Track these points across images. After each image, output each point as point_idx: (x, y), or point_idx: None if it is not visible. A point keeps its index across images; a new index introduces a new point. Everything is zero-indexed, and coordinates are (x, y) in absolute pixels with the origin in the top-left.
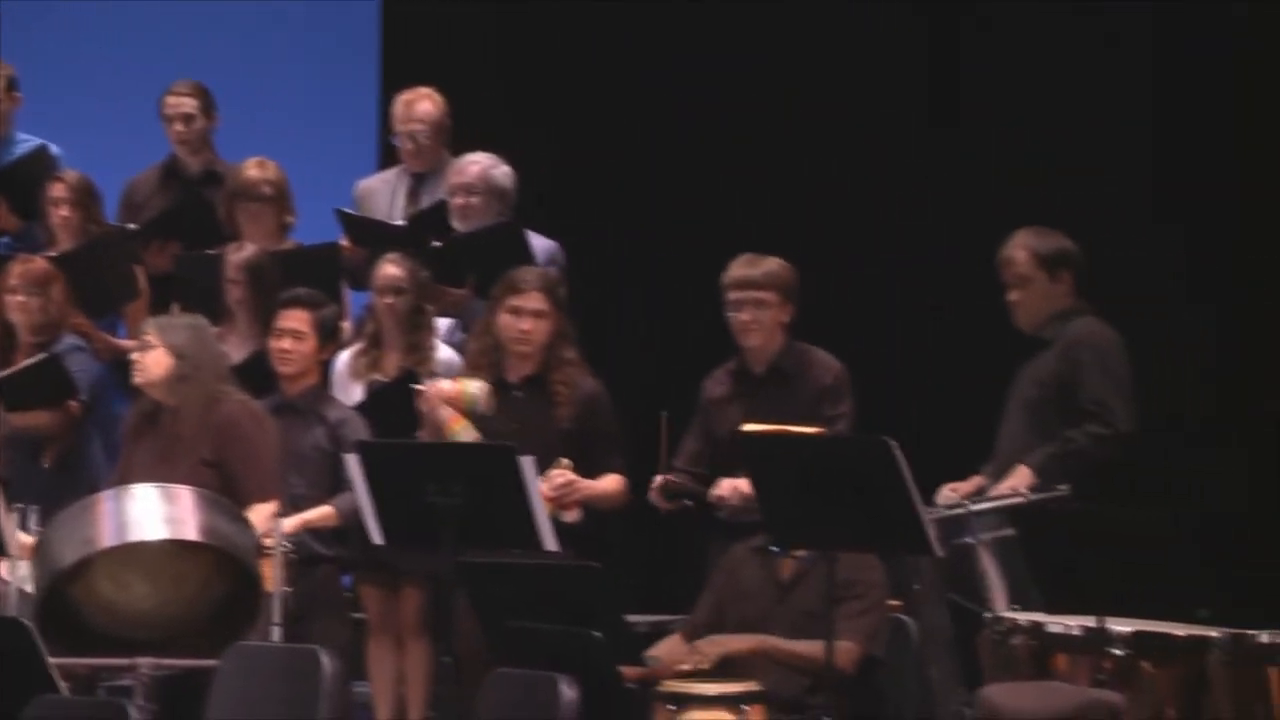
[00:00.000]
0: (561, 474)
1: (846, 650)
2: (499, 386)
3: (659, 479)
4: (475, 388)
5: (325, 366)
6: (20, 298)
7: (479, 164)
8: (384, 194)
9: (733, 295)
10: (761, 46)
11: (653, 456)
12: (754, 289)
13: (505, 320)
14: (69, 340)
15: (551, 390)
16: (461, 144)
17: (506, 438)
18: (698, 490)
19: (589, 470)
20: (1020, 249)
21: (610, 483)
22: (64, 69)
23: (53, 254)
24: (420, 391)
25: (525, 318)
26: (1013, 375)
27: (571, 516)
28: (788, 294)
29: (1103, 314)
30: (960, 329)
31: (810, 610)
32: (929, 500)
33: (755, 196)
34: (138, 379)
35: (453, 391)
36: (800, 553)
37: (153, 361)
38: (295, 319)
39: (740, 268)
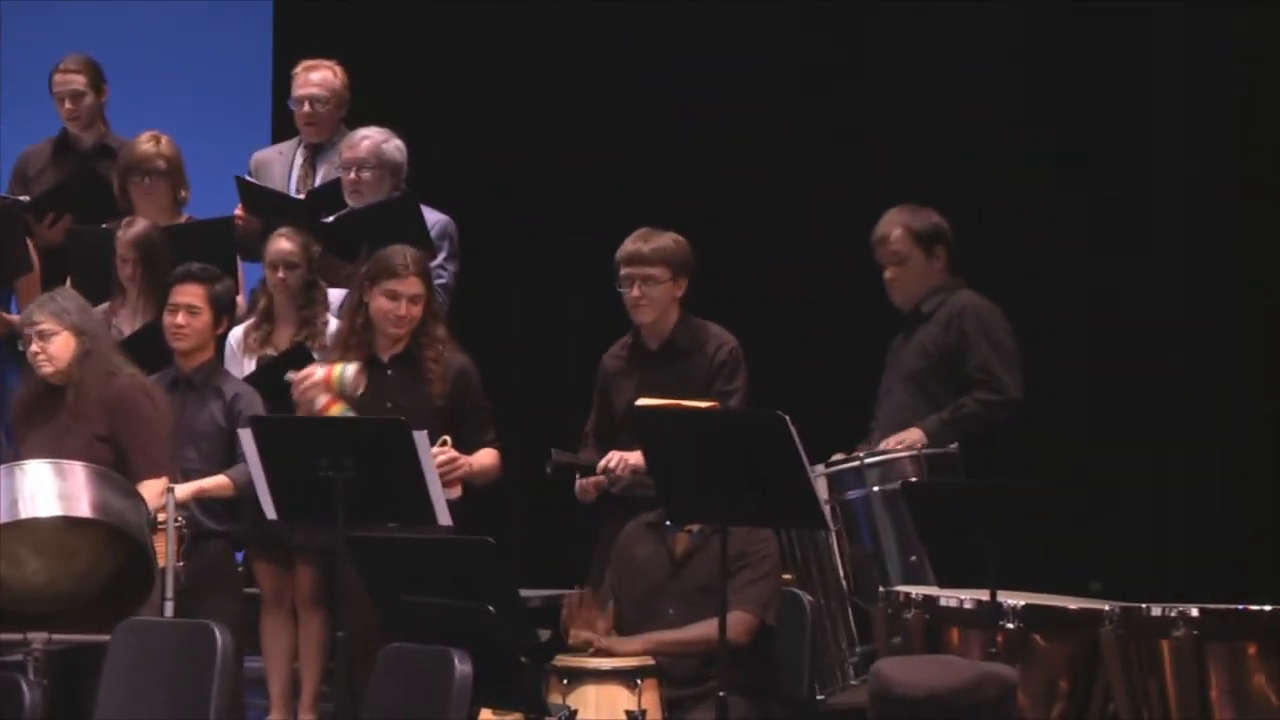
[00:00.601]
0: (443, 451)
1: (740, 620)
2: (370, 365)
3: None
4: (347, 370)
5: (220, 341)
6: None
7: (370, 138)
8: (280, 165)
9: (623, 271)
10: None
11: (548, 431)
12: (643, 264)
13: (382, 304)
14: None
15: (423, 367)
16: (357, 121)
17: (380, 415)
18: (585, 463)
19: (464, 445)
20: (895, 227)
21: (486, 457)
22: None
23: None
24: (292, 381)
25: (403, 302)
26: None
27: (454, 493)
28: (678, 269)
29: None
30: (845, 304)
31: (703, 585)
32: None
33: (647, 171)
34: (45, 369)
35: (324, 375)
36: (693, 527)
37: (58, 348)
38: (190, 294)
39: (631, 243)
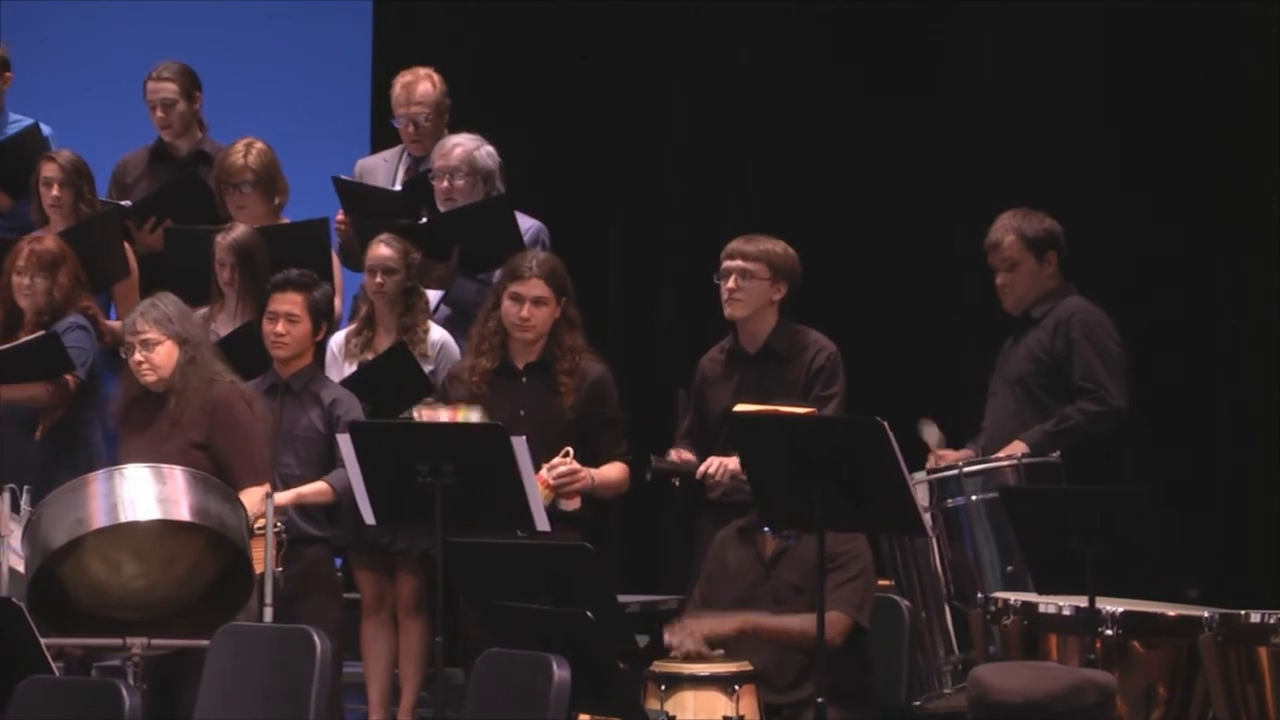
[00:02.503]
0: (563, 462)
1: (835, 620)
2: (504, 372)
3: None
4: (471, 418)
5: (319, 348)
6: (26, 280)
7: (462, 146)
8: (384, 172)
9: (724, 264)
10: (755, 26)
11: (647, 437)
12: (744, 259)
13: (507, 307)
14: (71, 318)
15: (555, 377)
16: (459, 124)
17: (512, 424)
18: (685, 469)
19: (592, 457)
20: (1008, 233)
21: (613, 471)
22: (58, 48)
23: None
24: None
25: (526, 304)
26: (995, 355)
27: (571, 505)
28: (779, 273)
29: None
30: (949, 310)
31: (795, 585)
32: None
33: (750, 179)
34: (148, 378)
35: (449, 419)
36: (786, 532)
37: (161, 357)
38: (289, 302)
39: (738, 240)
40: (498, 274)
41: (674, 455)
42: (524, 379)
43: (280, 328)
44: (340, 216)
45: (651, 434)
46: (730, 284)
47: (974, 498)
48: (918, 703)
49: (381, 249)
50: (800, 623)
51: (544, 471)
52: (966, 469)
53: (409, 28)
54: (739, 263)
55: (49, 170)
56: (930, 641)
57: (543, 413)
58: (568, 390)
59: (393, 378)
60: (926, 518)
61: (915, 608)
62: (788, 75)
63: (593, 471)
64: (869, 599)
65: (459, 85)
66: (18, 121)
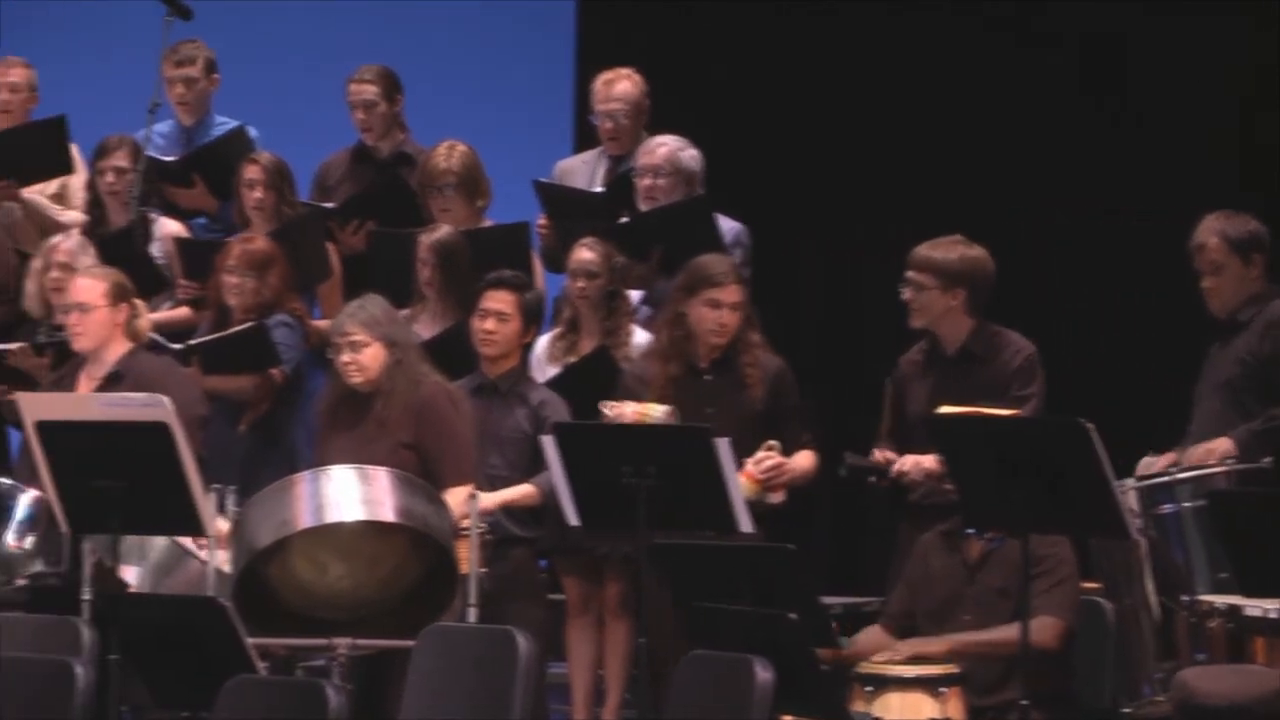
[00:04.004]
0: (769, 456)
1: (1050, 626)
2: (688, 373)
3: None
4: (659, 413)
5: (526, 350)
6: (236, 279)
7: (666, 145)
8: (583, 174)
9: (905, 273)
10: (953, 30)
11: (840, 436)
12: (915, 270)
13: (703, 313)
14: (279, 316)
15: (741, 372)
16: (659, 125)
17: (703, 421)
18: (879, 466)
19: (783, 447)
20: (1212, 235)
21: (805, 459)
22: (261, 50)
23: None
24: (604, 416)
25: (724, 310)
26: (1201, 357)
27: (778, 498)
28: (952, 279)
29: None
30: (1150, 310)
31: (1000, 588)
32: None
33: (943, 177)
34: (355, 379)
35: (635, 419)
36: (990, 535)
37: (368, 359)
38: (500, 300)
39: (919, 247)
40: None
41: (877, 455)
42: (708, 376)
43: (490, 325)
44: (541, 220)
45: (852, 434)
46: (906, 295)
47: (1185, 504)
48: (1127, 710)
49: (584, 253)
50: (1009, 633)
51: (750, 466)
52: (1179, 475)
53: (612, 28)
54: (910, 273)
55: (251, 173)
56: (1136, 646)
57: (731, 408)
58: (754, 382)
59: (595, 381)
60: (1135, 522)
61: (1121, 611)
62: (986, 76)
63: (795, 463)
64: (1077, 602)
65: (661, 86)
66: (224, 124)
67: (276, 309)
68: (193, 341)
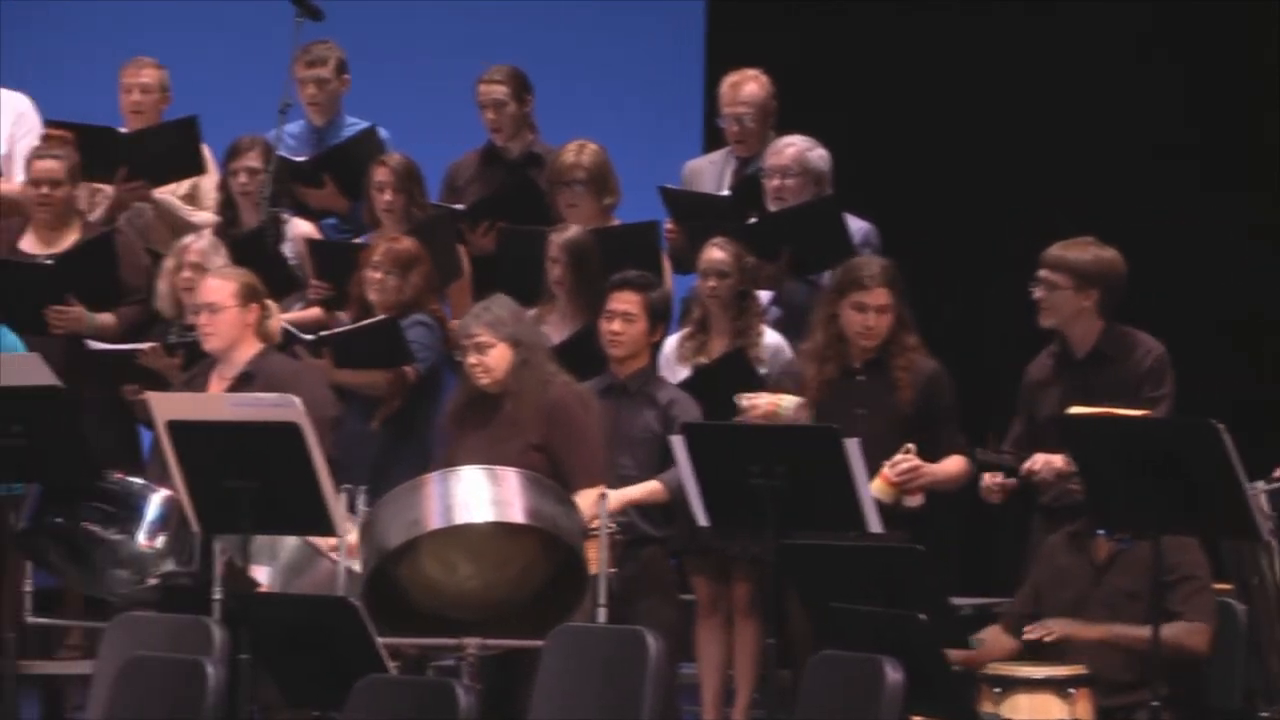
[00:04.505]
0: (906, 459)
1: (1201, 632)
2: (841, 372)
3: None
4: (790, 404)
5: (655, 349)
6: (379, 275)
7: (795, 146)
8: (711, 174)
9: (1038, 272)
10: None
11: (976, 439)
12: (1049, 269)
13: (851, 316)
14: (417, 315)
15: (893, 375)
16: (787, 126)
17: (849, 422)
18: (1009, 463)
19: (932, 452)
20: None
21: (953, 464)
22: (391, 50)
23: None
24: (739, 408)
25: (870, 314)
26: None
27: (915, 501)
28: (1085, 280)
29: None
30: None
31: (1129, 591)
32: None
33: (1072, 179)
34: (482, 380)
35: (769, 408)
36: (1120, 535)
37: (495, 360)
38: (627, 301)
39: (1052, 247)
40: (827, 278)
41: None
42: (860, 377)
43: (617, 326)
44: (669, 225)
45: (978, 435)
46: (1037, 294)
47: None
48: (1266, 714)
49: (715, 252)
50: (1168, 632)
51: (886, 468)
52: None
53: (741, 27)
54: (1043, 272)
55: (380, 175)
56: (1271, 649)
57: (882, 410)
58: (905, 385)
59: (729, 382)
60: (1267, 524)
61: (1254, 614)
62: (1119, 78)
63: (934, 467)
64: (1216, 605)
65: (789, 85)
66: (355, 124)
67: (416, 308)
68: (324, 333)
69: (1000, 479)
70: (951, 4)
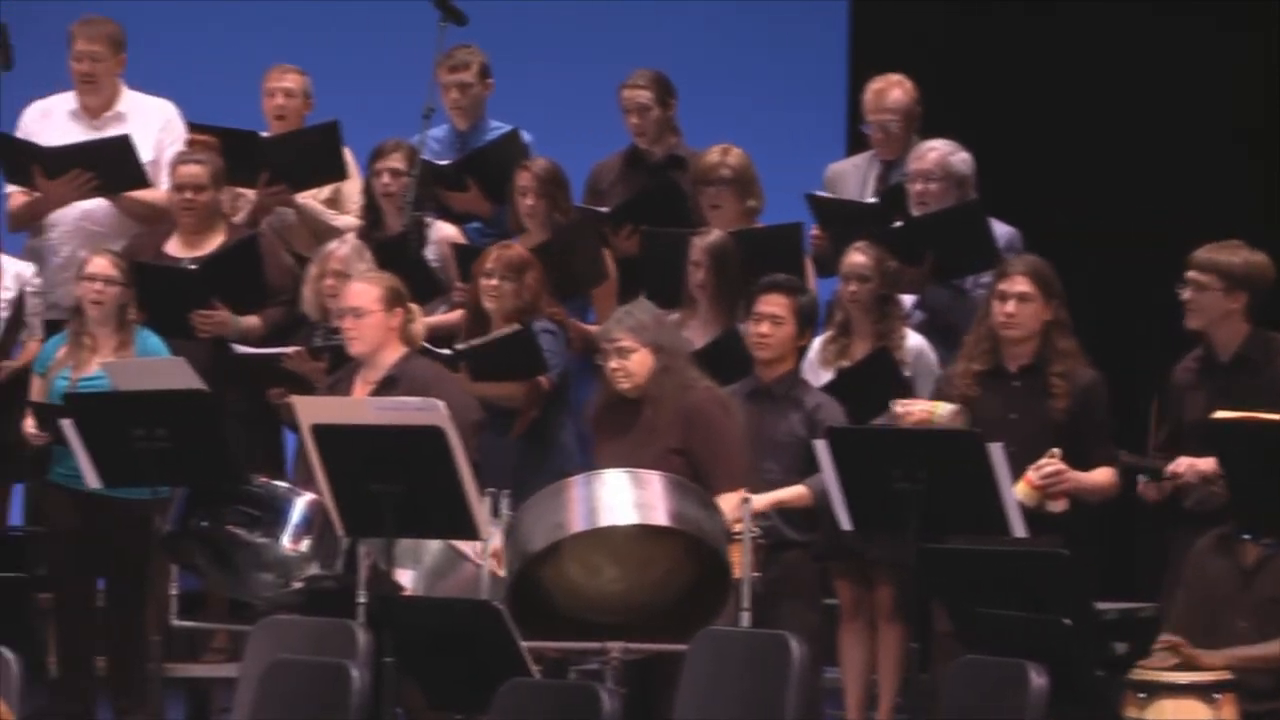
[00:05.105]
0: (1050, 463)
1: None
2: (996, 375)
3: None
4: (945, 411)
5: (800, 353)
6: (494, 282)
7: (937, 150)
8: (854, 178)
9: (1186, 273)
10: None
11: (1126, 443)
12: (1197, 270)
13: (994, 307)
14: (541, 324)
15: (1047, 381)
16: (931, 129)
17: (1001, 426)
18: (1153, 467)
19: (1081, 461)
20: None
21: (1101, 475)
22: (535, 53)
23: (529, 247)
24: (894, 413)
25: (1011, 301)
26: None
27: (1058, 507)
28: (1235, 283)
29: None
30: None
31: (1275, 597)
32: None
33: (1217, 183)
34: (623, 385)
35: (923, 415)
36: (1267, 540)
37: (636, 365)
38: (775, 304)
39: (1202, 249)
40: (970, 282)
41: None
42: (1015, 382)
43: (764, 329)
44: (815, 231)
45: (1121, 440)
46: (1185, 295)
47: None
48: None
49: (856, 256)
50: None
51: (1031, 472)
52: None
53: (885, 29)
54: (1192, 274)
55: (523, 179)
56: None
57: (1033, 415)
58: (1060, 393)
59: (873, 384)
60: None
61: None
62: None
63: (1080, 474)
64: None
65: (932, 87)
66: (498, 128)
67: (534, 313)
68: (459, 346)
69: (1155, 483)
70: (1099, 4)
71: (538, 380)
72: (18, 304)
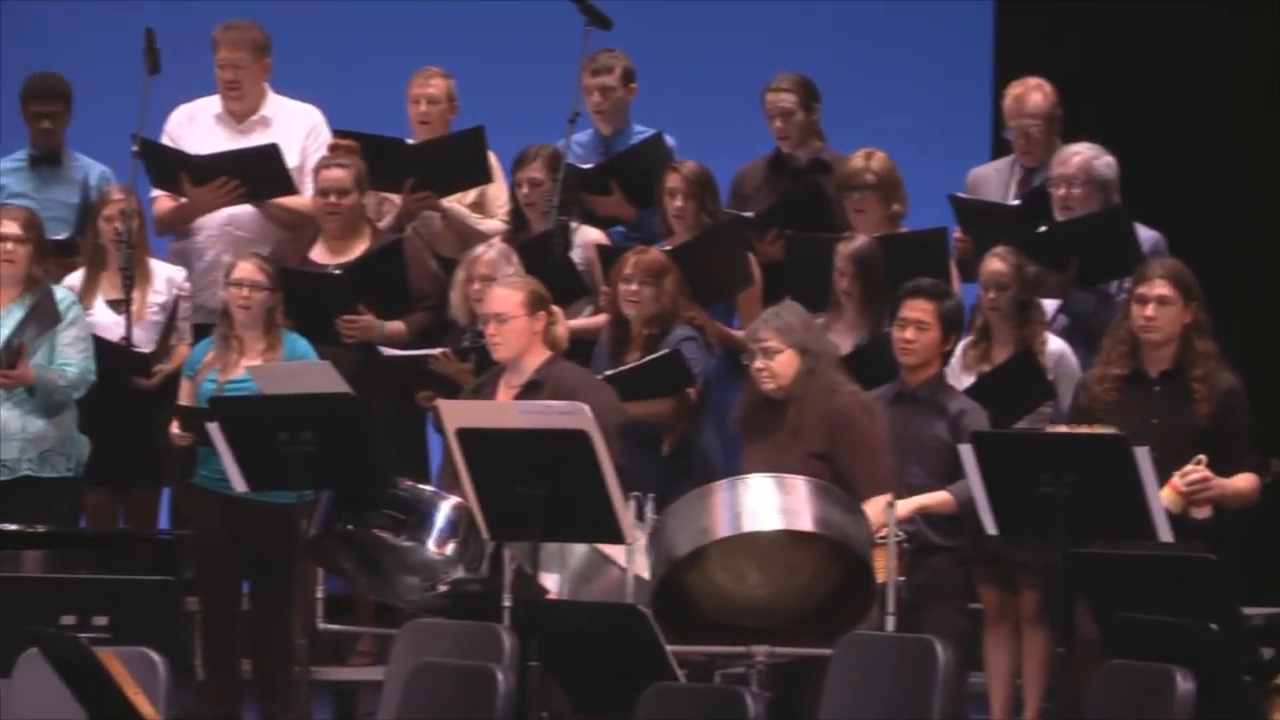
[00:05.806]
0: (1196, 469)
1: None
2: (1136, 380)
3: None
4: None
5: (946, 358)
6: (634, 287)
7: (1081, 154)
8: (996, 183)
9: None
10: None
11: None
12: None
13: (1133, 309)
14: (680, 330)
15: (1188, 385)
16: (1073, 133)
17: (1143, 432)
18: None
19: (1223, 467)
20: None
21: (1244, 481)
22: (680, 57)
23: (668, 247)
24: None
25: (1149, 304)
26: None
27: (1203, 513)
28: None
29: None
30: None
31: None
32: None
33: None
34: (768, 385)
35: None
36: None
37: (781, 366)
38: (920, 309)
39: None
40: (1114, 287)
41: None
42: (1156, 387)
43: (909, 334)
44: (958, 234)
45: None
46: None
47: None
48: None
49: (995, 263)
50: None
51: (1176, 478)
52: None
53: (1030, 32)
54: None
55: (673, 182)
56: None
57: (1175, 421)
58: (1201, 398)
59: (1016, 386)
60: None
61: None
62: None
63: (1225, 481)
64: None
65: (1074, 90)
66: (641, 132)
67: (674, 317)
68: (609, 373)
69: None
70: (1246, 6)
71: (686, 393)
72: (171, 308)
